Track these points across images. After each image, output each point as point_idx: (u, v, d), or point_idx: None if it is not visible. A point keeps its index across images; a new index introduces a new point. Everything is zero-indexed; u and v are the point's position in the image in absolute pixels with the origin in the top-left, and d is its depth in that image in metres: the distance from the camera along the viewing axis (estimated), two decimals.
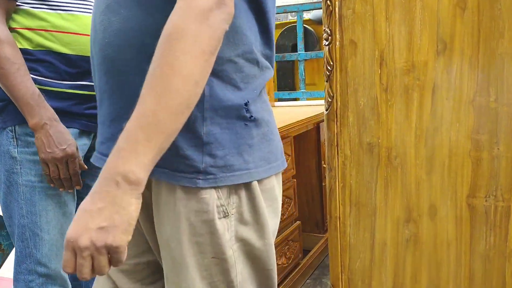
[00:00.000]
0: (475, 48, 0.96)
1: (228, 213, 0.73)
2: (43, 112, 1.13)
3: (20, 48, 1.15)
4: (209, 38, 0.60)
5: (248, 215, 0.75)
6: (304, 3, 2.78)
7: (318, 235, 2.41)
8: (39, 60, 1.18)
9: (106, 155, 0.69)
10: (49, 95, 1.18)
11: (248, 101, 0.72)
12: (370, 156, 1.10)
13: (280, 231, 1.87)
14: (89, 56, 0.87)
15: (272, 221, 0.81)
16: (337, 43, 1.08)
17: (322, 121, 1.22)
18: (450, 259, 1.05)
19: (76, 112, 1.24)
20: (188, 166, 0.69)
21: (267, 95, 0.82)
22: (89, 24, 1.09)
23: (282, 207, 1.89)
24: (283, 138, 1.84)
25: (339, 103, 1.11)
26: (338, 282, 1.20)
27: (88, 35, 0.92)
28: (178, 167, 0.69)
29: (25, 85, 1.11)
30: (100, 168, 0.65)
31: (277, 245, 1.82)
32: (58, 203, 1.22)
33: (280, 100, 2.86)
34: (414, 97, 1.03)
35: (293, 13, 3.02)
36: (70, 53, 1.21)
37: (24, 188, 1.18)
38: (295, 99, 2.85)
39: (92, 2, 1.25)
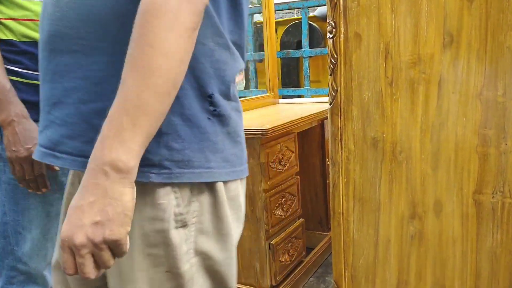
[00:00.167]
0: (482, 41, 0.94)
1: (187, 222, 0.65)
2: (11, 108, 1.07)
3: (4, 40, 1.13)
4: (191, 13, 0.55)
5: (210, 224, 0.68)
6: (309, 0, 2.76)
7: (322, 233, 2.39)
8: (24, 52, 1.15)
9: (43, 146, 0.64)
10: (33, 89, 1.14)
11: (212, 93, 0.64)
12: (374, 151, 1.08)
13: (283, 228, 1.86)
14: None
15: (236, 231, 0.74)
16: (342, 35, 1.06)
17: (327, 118, 1.21)
18: (455, 257, 1.03)
19: None
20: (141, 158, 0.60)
21: (237, 96, 0.72)
22: None
23: (286, 204, 1.88)
24: (286, 134, 1.83)
25: (343, 97, 1.10)
26: (341, 279, 1.19)
27: None
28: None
29: None
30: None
31: (280, 242, 1.81)
32: (42, 202, 1.19)
33: (284, 97, 2.85)
34: (419, 91, 1.01)
35: (298, 9, 3.00)
36: None
37: (7, 185, 1.16)
38: (299, 96, 2.84)
39: None
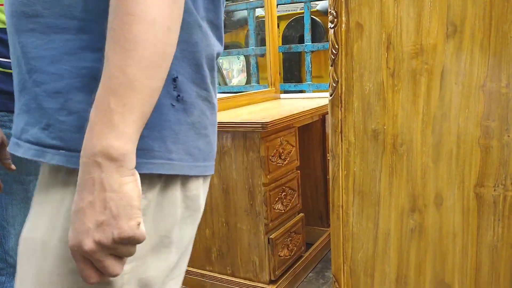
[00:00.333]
0: (486, 31, 0.92)
1: None
2: None
3: None
4: None
5: (152, 226, 0.58)
6: None
7: (322, 228, 2.38)
8: None
9: (13, 136, 0.59)
10: (10, 78, 1.07)
11: (177, 76, 0.57)
12: (375, 143, 1.07)
13: (282, 222, 1.85)
14: None
15: (189, 234, 0.66)
16: (343, 25, 1.05)
17: (328, 113, 1.19)
18: (456, 250, 1.02)
19: None
20: None
21: (211, 86, 0.64)
22: None
23: (285, 198, 1.86)
24: (287, 128, 1.81)
25: (344, 88, 1.08)
26: (340, 272, 1.17)
27: None
28: (79, 146, 0.52)
29: None
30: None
31: (279, 237, 1.80)
32: (25, 198, 1.18)
33: (286, 92, 2.83)
34: (421, 82, 0.99)
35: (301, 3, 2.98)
36: None
37: None
38: (301, 91, 2.82)
39: None
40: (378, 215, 1.09)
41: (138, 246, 0.53)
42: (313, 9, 2.79)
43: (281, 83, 2.84)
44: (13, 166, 1.07)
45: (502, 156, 0.94)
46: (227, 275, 1.89)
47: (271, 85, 2.48)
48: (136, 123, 0.49)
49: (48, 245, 0.56)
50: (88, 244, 0.48)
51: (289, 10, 3.48)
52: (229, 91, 3.07)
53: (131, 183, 0.49)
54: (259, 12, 3.00)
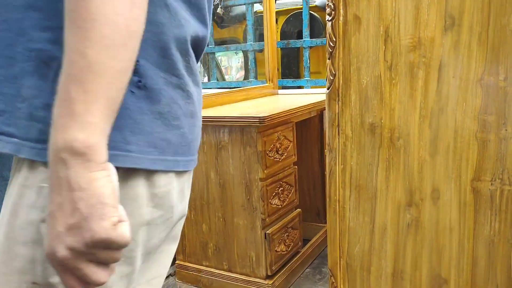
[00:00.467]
0: (484, 24, 0.92)
1: None
2: None
3: None
4: None
5: None
6: None
7: (319, 224, 2.37)
8: None
9: None
10: None
11: (138, 60, 0.50)
12: (372, 137, 1.06)
13: (279, 218, 1.84)
14: None
15: (160, 235, 0.60)
16: (341, 18, 1.04)
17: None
18: (452, 245, 1.02)
19: None
20: (41, 132, 0.49)
21: (184, 72, 0.57)
22: None
23: (282, 193, 1.86)
24: (284, 123, 1.81)
25: (341, 82, 1.07)
26: (336, 267, 1.17)
27: None
28: (30, 135, 0.49)
29: None
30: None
31: (276, 232, 1.79)
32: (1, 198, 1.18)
33: (284, 87, 2.82)
34: (419, 76, 0.99)
35: None
36: None
37: None
38: (299, 87, 2.81)
39: None
40: (374, 210, 1.09)
41: None
42: (311, 4, 2.78)
43: (279, 78, 2.83)
44: None
45: (499, 150, 0.94)
46: (224, 270, 1.88)
47: (269, 80, 2.47)
48: (102, 112, 0.44)
49: None
50: (61, 251, 0.43)
51: (287, 5, 3.47)
52: (226, 86, 3.06)
53: (102, 179, 0.44)
54: (257, 7, 2.98)
